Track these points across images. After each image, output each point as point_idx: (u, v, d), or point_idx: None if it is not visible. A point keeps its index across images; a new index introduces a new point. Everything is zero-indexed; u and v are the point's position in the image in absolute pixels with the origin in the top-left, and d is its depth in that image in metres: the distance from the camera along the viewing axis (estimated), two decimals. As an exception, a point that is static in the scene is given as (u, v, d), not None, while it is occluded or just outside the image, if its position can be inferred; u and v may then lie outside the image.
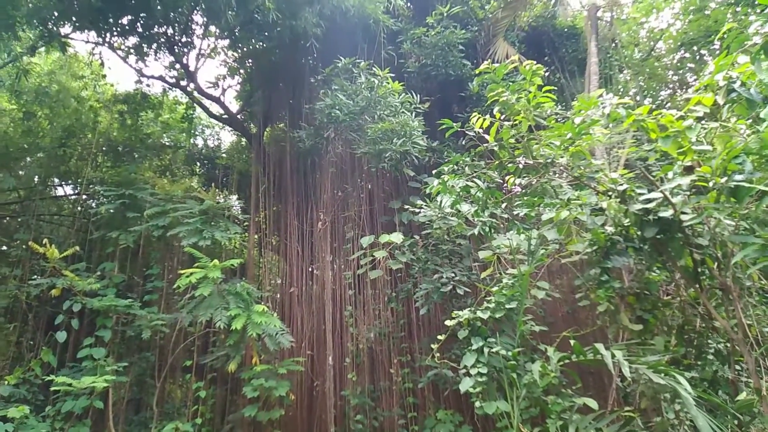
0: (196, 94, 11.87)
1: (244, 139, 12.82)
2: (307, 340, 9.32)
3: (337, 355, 9.04)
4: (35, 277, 8.10)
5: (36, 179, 11.39)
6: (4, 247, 11.34)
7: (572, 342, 4.69)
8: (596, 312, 6.06)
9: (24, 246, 9.07)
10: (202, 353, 9.03)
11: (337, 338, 9.27)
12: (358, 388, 8.68)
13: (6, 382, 7.20)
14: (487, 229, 6.49)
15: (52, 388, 6.71)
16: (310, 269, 10.42)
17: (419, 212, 7.21)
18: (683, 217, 4.54)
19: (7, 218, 11.52)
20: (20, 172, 11.47)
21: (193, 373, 8.41)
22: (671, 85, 14.06)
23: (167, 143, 12.56)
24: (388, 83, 8.47)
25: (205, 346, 9.41)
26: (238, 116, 12.26)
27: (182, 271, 7.42)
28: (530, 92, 5.17)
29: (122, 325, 8.27)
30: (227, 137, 20.11)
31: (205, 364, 8.75)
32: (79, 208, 10.99)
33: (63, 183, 12.27)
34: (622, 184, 4.84)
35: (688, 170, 4.26)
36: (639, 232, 4.95)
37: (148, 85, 11.64)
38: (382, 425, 8.48)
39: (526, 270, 5.80)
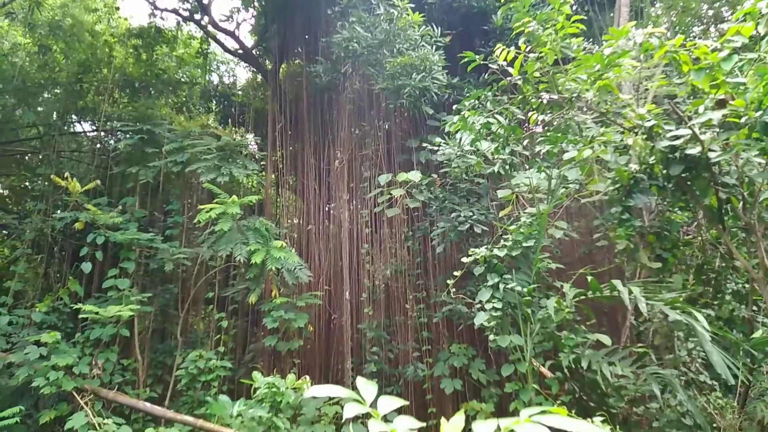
0: (210, 28, 11.61)
1: (259, 76, 12.62)
2: (324, 276, 9.51)
3: (353, 290, 9.23)
4: (58, 211, 8.26)
5: (55, 115, 11.41)
6: (27, 183, 11.56)
7: (589, 278, 4.71)
8: (614, 251, 6.06)
9: (46, 182, 9.22)
10: (224, 287, 9.29)
11: (354, 275, 9.43)
12: (374, 322, 8.91)
13: (37, 309, 7.50)
14: (507, 167, 6.41)
15: (81, 316, 6.99)
16: (327, 208, 10.49)
17: (438, 150, 7.13)
18: (711, 155, 4.42)
19: (29, 154, 11.66)
20: (39, 109, 11.50)
21: (215, 305, 8.68)
22: (705, 21, 13.37)
23: (183, 79, 12.43)
24: (408, 15, 8.17)
25: (226, 280, 9.66)
26: (253, 51, 12.02)
27: (201, 207, 7.51)
28: (558, 22, 4.95)
29: (145, 258, 8.48)
30: (242, 74, 19.85)
31: (226, 296, 9.01)
32: (98, 145, 11.05)
33: (81, 119, 12.31)
34: (649, 120, 4.70)
35: (720, 104, 4.10)
36: (664, 171, 4.85)
37: (162, 18, 11.45)
38: (397, 357, 8.75)
39: (545, 209, 5.75)
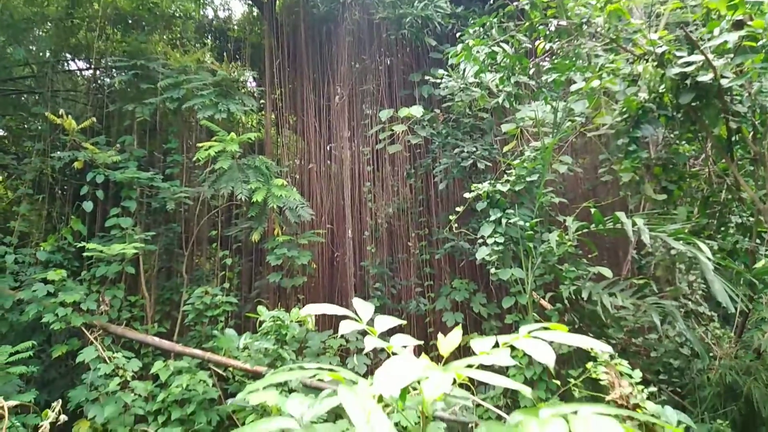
0: (202, -43, 11.05)
1: (255, 9, 12.14)
2: (326, 215, 9.51)
3: (356, 228, 9.25)
4: (58, 152, 8.16)
5: (48, 54, 11.08)
6: (25, 124, 11.38)
7: (593, 210, 4.66)
8: (619, 185, 5.99)
9: (42, 121, 9.05)
10: (227, 226, 9.31)
11: (356, 213, 9.43)
12: (377, 259, 8.98)
13: (42, 248, 7.55)
14: (512, 99, 6.24)
15: (85, 254, 7.03)
16: (328, 147, 10.35)
17: (440, 84, 6.92)
18: (723, 82, 4.26)
19: (26, 95, 11.42)
20: (31, 48, 11.15)
21: (218, 244, 8.72)
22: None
23: (176, 14, 11.95)
24: (410, -61, 7.74)
25: (229, 219, 9.67)
26: (249, -18, 11.49)
27: (200, 144, 7.40)
28: (568, -60, 4.66)
29: (147, 197, 8.45)
30: (238, 7, 19.13)
31: (229, 235, 9.04)
32: (94, 85, 10.79)
33: (75, 58, 11.96)
34: (660, 46, 4.50)
35: (737, 26, 3.90)
36: (673, 100, 4.70)
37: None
38: (400, 293, 8.89)
39: (550, 142, 5.64)
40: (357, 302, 1.41)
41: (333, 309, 1.39)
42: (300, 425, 1.14)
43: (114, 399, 5.85)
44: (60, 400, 4.20)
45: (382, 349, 1.31)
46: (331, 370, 1.19)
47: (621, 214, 4.40)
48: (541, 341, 1.13)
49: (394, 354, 1.32)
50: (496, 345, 1.20)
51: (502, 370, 5.75)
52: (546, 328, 1.20)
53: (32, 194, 8.70)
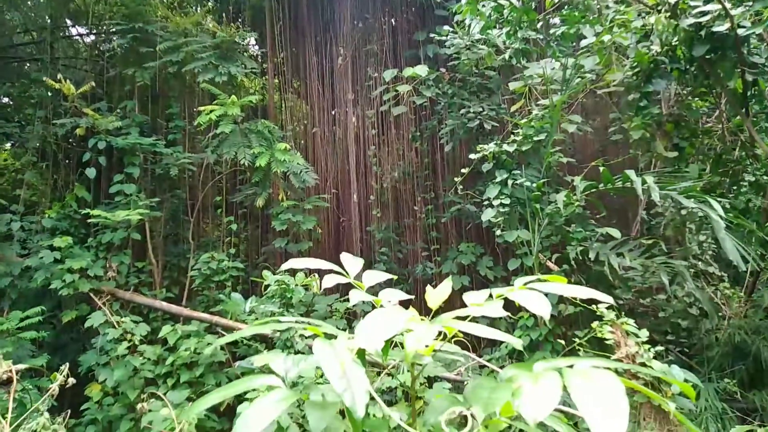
0: None
1: (256, -31, 11.77)
2: (331, 180, 9.42)
3: (361, 193, 9.18)
4: (59, 119, 8.08)
5: (48, 19, 10.88)
6: (28, 92, 11.27)
7: (601, 169, 4.54)
8: (629, 144, 5.83)
9: (43, 88, 8.95)
10: (232, 192, 9.26)
11: (361, 178, 9.34)
12: (383, 224, 8.93)
13: (47, 215, 7.56)
14: (520, 56, 6.04)
15: (89, 221, 7.04)
16: (332, 112, 10.18)
17: (446, 42, 6.71)
18: (740, 31, 4.06)
19: (28, 62, 11.28)
20: (30, 14, 10.95)
21: (224, 210, 8.70)
22: None
23: (175, -25, 11.63)
24: None
25: (234, 185, 9.62)
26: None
27: (201, 108, 7.28)
28: None
29: (150, 164, 8.39)
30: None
31: (235, 202, 9.01)
32: (95, 52, 10.62)
33: (76, 24, 11.76)
34: (675, -5, 4.29)
35: (758, -30, 3.69)
36: (687, 52, 4.51)
37: None
38: (406, 257, 8.86)
39: (559, 99, 5.47)
40: (345, 257, 1.34)
41: (317, 263, 1.33)
42: (284, 382, 1.08)
43: (123, 363, 5.92)
44: (68, 364, 4.23)
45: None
46: (308, 323, 1.13)
47: (630, 173, 4.28)
48: (537, 292, 1.06)
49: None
50: (491, 297, 1.13)
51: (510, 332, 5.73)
52: (542, 281, 1.13)
53: (36, 162, 8.68)
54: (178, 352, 5.94)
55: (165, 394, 5.71)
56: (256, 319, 6.45)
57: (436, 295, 1.16)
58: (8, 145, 10.81)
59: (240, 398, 4.49)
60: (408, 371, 1.15)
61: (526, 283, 1.11)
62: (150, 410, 5.10)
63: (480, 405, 0.80)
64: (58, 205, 7.73)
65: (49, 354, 6.75)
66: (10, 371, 4.03)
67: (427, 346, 0.94)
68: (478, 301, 1.10)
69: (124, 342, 6.06)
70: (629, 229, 7.05)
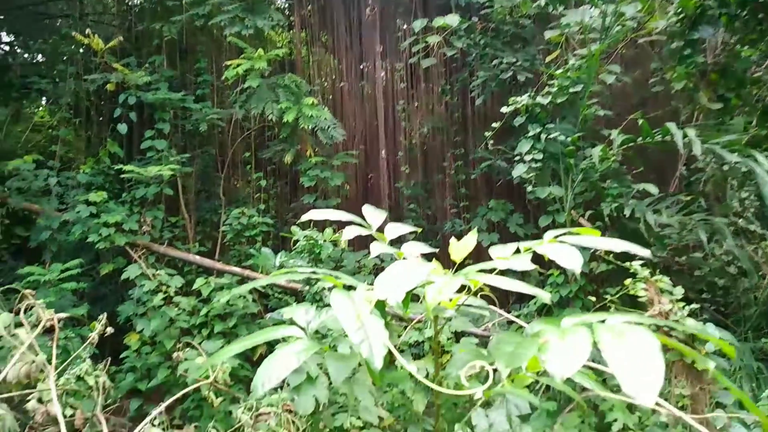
0: None
1: None
2: (359, 135, 9.33)
3: (390, 149, 9.08)
4: (90, 75, 8.14)
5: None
6: (59, 49, 11.37)
7: (640, 122, 4.33)
8: (671, 96, 5.55)
9: (73, 44, 8.99)
10: (261, 149, 9.28)
11: (389, 133, 9.21)
12: (412, 180, 8.86)
13: (82, 171, 7.73)
14: (557, 3, 5.74)
15: (122, 176, 7.17)
16: (360, 66, 9.97)
17: (478, -12, 6.42)
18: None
19: (60, 20, 11.34)
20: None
21: (253, 166, 8.74)
22: None
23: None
24: None
25: (263, 142, 9.62)
26: None
27: (228, 62, 7.22)
28: None
29: (180, 119, 8.43)
30: None
31: (264, 158, 9.03)
32: (123, 7, 10.58)
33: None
34: (729, -70, 3.95)
35: None
36: (739, -5, 4.19)
37: None
38: (435, 214, 8.81)
39: (597, 48, 5.20)
40: (367, 208, 1.30)
41: (338, 215, 1.29)
42: (306, 333, 1.06)
43: (159, 313, 6.12)
44: (106, 314, 4.38)
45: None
46: (326, 274, 1.11)
47: (671, 125, 4.07)
48: (567, 245, 1.00)
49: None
50: (518, 251, 1.07)
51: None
52: (573, 234, 1.07)
53: (70, 118, 8.82)
54: (212, 304, 6.11)
55: (200, 343, 5.91)
56: (287, 273, 6.56)
57: (459, 248, 1.12)
58: (44, 102, 11.05)
59: (272, 347, 4.62)
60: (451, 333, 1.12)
61: (556, 236, 1.05)
62: (186, 359, 5.29)
63: (503, 360, 0.76)
64: (92, 161, 7.88)
65: (90, 304, 7.02)
66: (52, 320, 4.20)
67: (450, 299, 0.90)
68: (504, 255, 1.04)
69: (159, 293, 6.25)
70: (667, 185, 6.80)
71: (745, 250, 5.40)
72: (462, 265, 1.05)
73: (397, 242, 1.25)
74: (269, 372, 0.82)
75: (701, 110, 5.04)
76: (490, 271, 0.97)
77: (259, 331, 1.07)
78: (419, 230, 1.36)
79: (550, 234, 1.08)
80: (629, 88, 7.78)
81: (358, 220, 1.26)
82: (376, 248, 1.15)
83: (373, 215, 1.28)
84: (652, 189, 5.16)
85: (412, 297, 1.07)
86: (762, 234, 5.84)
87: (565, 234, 1.07)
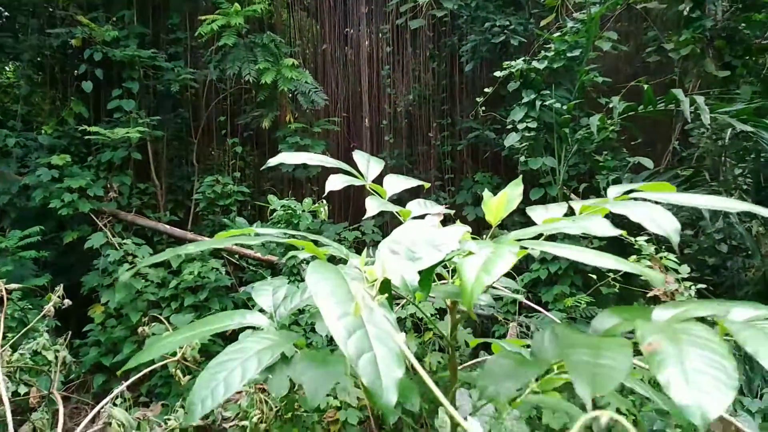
0: None
1: None
2: (342, 102, 8.91)
3: (373, 117, 8.69)
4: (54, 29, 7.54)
5: None
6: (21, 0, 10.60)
7: (645, 87, 4.05)
8: (665, 67, 5.29)
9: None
10: (237, 114, 8.80)
11: (373, 101, 8.81)
12: (396, 150, 8.51)
13: (44, 132, 7.21)
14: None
15: (86, 137, 6.70)
16: (344, 31, 9.47)
17: (471, -56, 6.01)
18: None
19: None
20: None
21: (228, 131, 8.29)
22: None
23: None
24: None
25: (240, 107, 9.13)
26: None
27: (203, 17, 6.72)
28: None
29: (151, 79, 7.90)
30: None
31: (240, 123, 8.58)
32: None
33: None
34: None
35: None
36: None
37: None
38: (420, 186, 8.49)
39: (598, 11, 4.88)
40: (358, 155, 0.99)
41: (318, 158, 0.98)
42: (272, 322, 0.75)
43: (126, 285, 5.76)
44: (62, 285, 4.02)
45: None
46: (303, 237, 0.80)
47: (678, 91, 3.81)
48: (652, 204, 0.70)
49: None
50: (569, 212, 0.78)
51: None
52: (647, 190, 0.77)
53: (31, 75, 8.22)
54: (182, 276, 5.76)
55: (169, 317, 5.58)
56: (263, 245, 6.23)
57: (497, 205, 0.81)
58: (10, 63, 10.33)
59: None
60: (442, 315, 0.81)
61: (627, 192, 0.76)
62: (153, 333, 4.97)
63: (585, 381, 0.47)
64: (55, 122, 7.35)
65: (54, 275, 6.60)
66: (1, 291, 3.82)
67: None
68: (552, 216, 0.75)
69: (125, 264, 5.87)
70: (659, 160, 6.61)
71: (737, 228, 5.24)
72: (492, 230, 0.76)
73: (397, 203, 0.95)
74: (209, 389, 0.52)
75: (707, 79, 4.77)
76: (536, 238, 0.68)
77: (208, 317, 0.77)
78: (426, 185, 1.06)
79: (616, 190, 0.79)
80: (621, 60, 7.52)
81: (346, 167, 0.95)
82: (374, 205, 0.84)
83: (367, 163, 0.97)
84: (648, 163, 4.95)
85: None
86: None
87: (634, 189, 0.78)
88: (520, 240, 0.67)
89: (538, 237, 0.68)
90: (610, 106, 4.47)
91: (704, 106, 3.53)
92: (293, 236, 0.79)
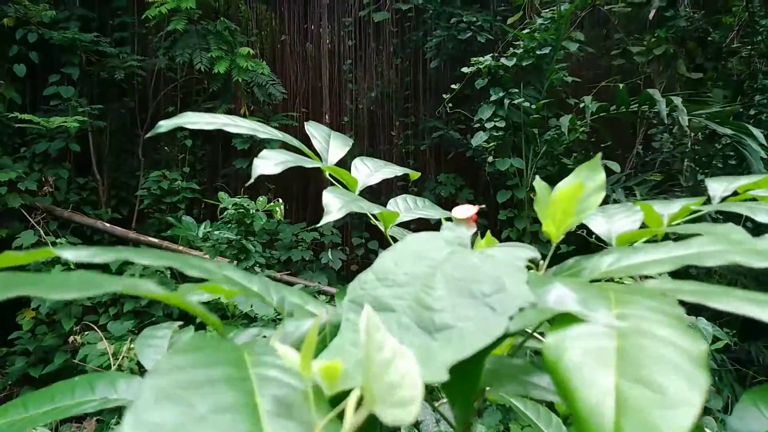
0: None
1: None
2: (301, 97, 8.54)
3: (334, 113, 8.37)
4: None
5: None
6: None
7: (621, 86, 3.89)
8: (630, 70, 5.20)
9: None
10: (188, 106, 8.29)
11: (334, 96, 8.49)
12: (357, 149, 8.20)
13: (-32, 118, 6.55)
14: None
15: (19, 125, 6.10)
16: (304, 25, 9.10)
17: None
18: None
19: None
20: None
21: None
22: None
23: None
24: None
25: (191, 98, 8.62)
26: None
27: (151, 0, 6.24)
28: None
29: (93, 65, 7.32)
30: None
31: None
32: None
33: None
34: None
35: None
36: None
37: None
38: (380, 186, 8.22)
39: (568, 8, 4.72)
40: (312, 126, 0.70)
41: (253, 126, 0.67)
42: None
43: (58, 288, 5.22)
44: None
45: (370, 237, 0.61)
46: (208, 271, 0.47)
47: (654, 91, 3.66)
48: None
49: (393, 239, 0.62)
50: (689, 212, 0.50)
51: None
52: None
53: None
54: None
55: (106, 324, 5.10)
56: (213, 246, 5.79)
57: (565, 202, 0.52)
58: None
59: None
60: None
61: (747, 190, 0.49)
62: (85, 343, 4.50)
63: None
64: (-19, 107, 6.68)
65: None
66: None
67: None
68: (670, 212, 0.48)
69: (58, 265, 5.34)
70: (622, 165, 6.56)
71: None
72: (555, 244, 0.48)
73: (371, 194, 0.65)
74: None
75: (673, 83, 4.69)
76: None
77: (48, 390, 0.45)
78: (416, 175, 0.76)
79: (720, 186, 0.53)
80: (582, 64, 7.46)
81: (292, 140, 0.65)
82: (335, 202, 0.54)
83: (326, 140, 0.68)
84: (615, 166, 4.82)
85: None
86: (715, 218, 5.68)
87: (756, 183, 0.52)
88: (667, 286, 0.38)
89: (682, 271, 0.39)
90: (581, 106, 4.31)
91: (682, 107, 3.40)
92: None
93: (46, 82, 6.79)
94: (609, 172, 4.93)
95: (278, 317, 4.75)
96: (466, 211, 0.45)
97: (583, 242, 3.96)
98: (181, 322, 0.99)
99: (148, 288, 0.34)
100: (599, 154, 0.55)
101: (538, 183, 0.46)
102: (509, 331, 0.32)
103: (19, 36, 6.40)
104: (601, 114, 4.27)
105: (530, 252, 0.39)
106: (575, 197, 0.45)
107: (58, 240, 5.60)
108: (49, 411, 0.50)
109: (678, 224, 0.58)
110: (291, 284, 5.46)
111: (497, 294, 0.33)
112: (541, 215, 0.47)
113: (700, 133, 4.84)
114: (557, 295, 0.34)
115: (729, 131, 3.42)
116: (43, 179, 6.38)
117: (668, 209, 0.60)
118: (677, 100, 3.48)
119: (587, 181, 0.51)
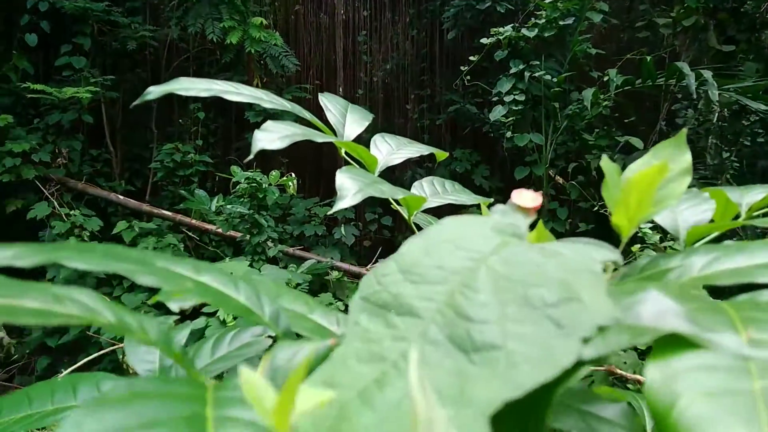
0: None
1: None
2: (315, 69, 8.38)
3: (348, 86, 8.22)
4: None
5: None
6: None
7: (648, 58, 3.72)
8: (668, 34, 4.97)
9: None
10: (200, 76, 8.19)
11: (348, 68, 8.33)
12: (370, 124, 8.07)
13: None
14: None
15: (31, 96, 6.06)
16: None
17: None
18: None
19: None
20: None
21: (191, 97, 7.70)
22: None
23: None
24: None
25: (203, 69, 8.51)
26: None
27: (162, -33, 6.09)
28: None
29: (105, 35, 7.22)
30: None
31: (204, 88, 7.97)
32: None
33: None
34: None
35: None
36: None
37: None
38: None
39: (594, -25, 4.51)
40: (327, 97, 0.62)
41: (245, 90, 0.60)
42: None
43: (73, 260, 5.24)
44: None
45: (383, 213, 0.54)
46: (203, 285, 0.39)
47: (683, 64, 3.49)
48: None
49: (417, 228, 0.54)
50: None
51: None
52: None
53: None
54: (136, 252, 5.28)
55: (120, 296, 5.13)
56: (225, 220, 5.76)
57: (645, 187, 0.43)
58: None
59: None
60: None
61: None
62: (100, 315, 4.52)
63: None
64: (-7, 77, 6.66)
65: (-6, 246, 6.03)
66: None
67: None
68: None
69: (72, 237, 5.35)
70: (645, 142, 6.37)
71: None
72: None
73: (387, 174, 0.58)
74: None
75: (701, 56, 4.48)
76: None
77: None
78: (445, 154, 0.68)
79: None
80: (604, 37, 7.20)
81: (304, 113, 0.57)
82: (351, 185, 0.47)
83: (343, 112, 0.59)
84: (638, 143, 4.67)
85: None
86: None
87: None
88: None
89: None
90: (605, 79, 4.14)
91: (712, 81, 3.24)
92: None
93: (58, 53, 6.72)
94: (632, 149, 4.79)
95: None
96: (530, 198, 0.36)
97: (602, 219, 3.85)
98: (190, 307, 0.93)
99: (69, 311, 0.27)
100: (684, 130, 0.46)
101: (607, 162, 0.38)
102: (583, 358, 0.24)
103: (30, 4, 6.31)
104: (626, 88, 4.11)
105: (608, 252, 0.30)
106: (656, 182, 0.36)
107: (71, 212, 5.59)
108: (24, 417, 0.44)
109: (758, 216, 0.50)
110: (303, 259, 5.43)
111: (566, 304, 0.25)
112: (609, 202, 0.39)
113: (726, 110, 4.65)
114: (655, 308, 0.25)
115: (763, 106, 3.27)
116: (57, 151, 6.37)
117: (746, 197, 0.51)
118: (707, 74, 3.31)
119: (670, 162, 0.42)
